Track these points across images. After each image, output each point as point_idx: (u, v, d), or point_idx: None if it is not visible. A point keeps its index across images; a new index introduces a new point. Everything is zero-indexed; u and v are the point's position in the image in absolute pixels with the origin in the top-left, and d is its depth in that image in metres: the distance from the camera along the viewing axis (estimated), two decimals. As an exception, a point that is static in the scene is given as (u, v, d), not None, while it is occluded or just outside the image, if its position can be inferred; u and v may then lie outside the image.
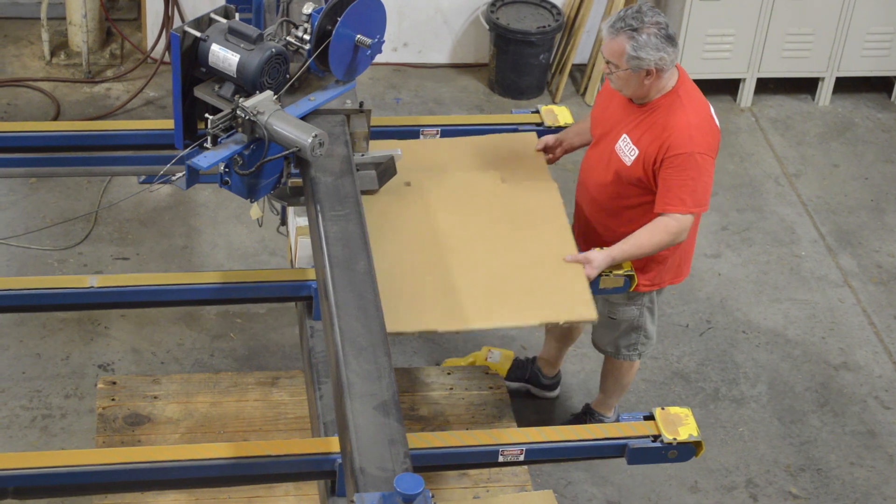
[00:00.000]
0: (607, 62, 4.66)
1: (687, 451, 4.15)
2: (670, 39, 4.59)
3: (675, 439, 4.12)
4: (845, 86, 8.15)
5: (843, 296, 6.67)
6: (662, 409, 4.21)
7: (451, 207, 4.80)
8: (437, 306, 4.39)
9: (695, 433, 4.14)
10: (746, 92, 8.00)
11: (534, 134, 5.17)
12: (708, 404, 5.99)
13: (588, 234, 5.01)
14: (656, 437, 4.13)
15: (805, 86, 8.16)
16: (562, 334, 5.67)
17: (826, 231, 7.09)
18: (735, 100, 8.05)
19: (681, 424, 4.15)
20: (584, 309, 4.47)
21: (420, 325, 4.34)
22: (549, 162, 5.08)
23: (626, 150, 4.76)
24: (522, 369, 5.87)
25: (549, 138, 5.09)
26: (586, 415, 5.66)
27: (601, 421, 5.56)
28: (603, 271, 4.66)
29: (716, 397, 6.04)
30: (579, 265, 4.57)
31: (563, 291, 4.50)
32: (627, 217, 4.83)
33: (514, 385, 5.81)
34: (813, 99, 8.14)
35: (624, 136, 4.77)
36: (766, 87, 8.13)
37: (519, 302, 4.46)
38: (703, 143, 4.64)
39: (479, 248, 4.64)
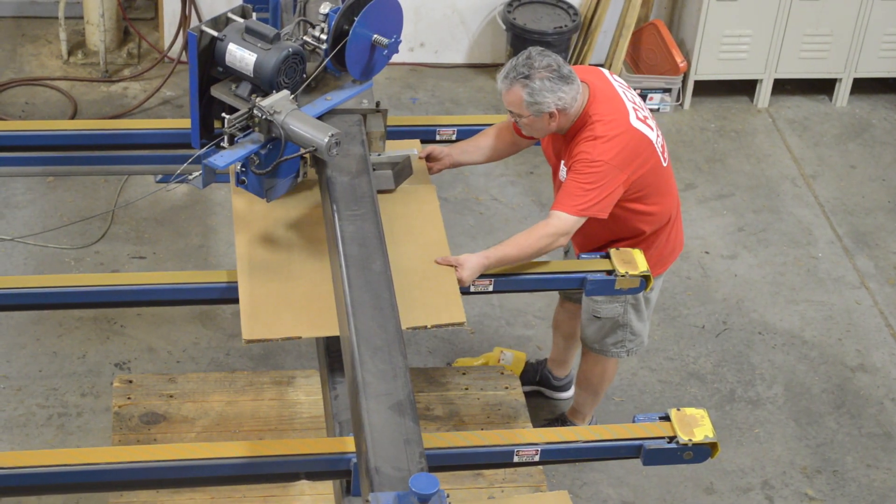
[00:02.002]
0: (510, 112, 4.74)
1: (702, 452, 4.14)
2: (565, 78, 4.63)
3: (690, 440, 4.11)
4: (863, 87, 8.13)
5: (859, 297, 6.66)
6: (678, 409, 4.20)
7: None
8: (304, 311, 4.27)
9: (710, 434, 4.13)
10: (763, 93, 7.99)
11: (417, 141, 5.12)
12: (724, 405, 5.98)
13: (583, 245, 5.07)
14: (672, 438, 4.12)
15: (822, 87, 8.14)
16: (567, 333, 5.66)
17: (843, 232, 7.08)
18: (752, 101, 8.03)
19: (696, 425, 4.14)
20: (452, 312, 4.35)
21: (282, 332, 4.24)
22: (429, 172, 5.03)
23: (564, 175, 4.83)
24: (533, 373, 5.87)
25: (436, 149, 5.06)
26: (558, 422, 5.66)
27: None
28: (619, 273, 4.65)
29: (732, 398, 6.03)
30: (450, 268, 4.51)
31: (433, 296, 4.39)
32: (600, 226, 4.84)
33: (526, 388, 5.80)
34: (830, 100, 8.12)
35: (562, 163, 4.85)
36: (784, 88, 8.11)
37: None
38: (607, 152, 4.66)
39: None
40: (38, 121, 7.01)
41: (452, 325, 4.35)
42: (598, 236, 4.94)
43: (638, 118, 4.77)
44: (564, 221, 4.67)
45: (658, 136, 4.85)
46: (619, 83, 4.87)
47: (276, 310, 4.26)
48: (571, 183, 4.68)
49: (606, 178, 4.65)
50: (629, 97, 4.83)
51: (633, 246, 4.92)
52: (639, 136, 4.74)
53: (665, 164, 4.90)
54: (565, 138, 4.81)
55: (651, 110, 7.75)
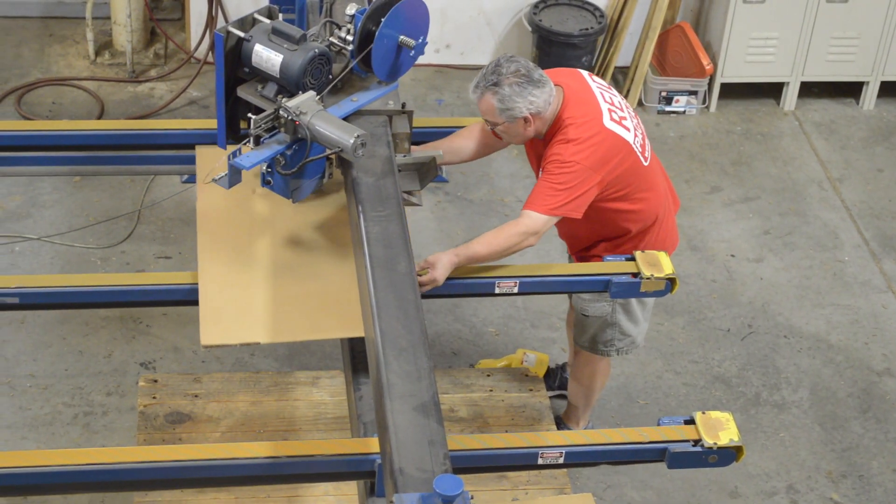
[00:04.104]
0: (486, 121, 4.75)
1: (727, 456, 4.13)
2: (535, 82, 4.63)
3: (715, 444, 4.09)
4: (890, 90, 8.09)
5: (886, 301, 6.62)
6: (703, 413, 4.18)
7: (288, 217, 4.65)
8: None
9: (735, 438, 4.12)
10: (790, 96, 7.96)
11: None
12: (749, 409, 5.96)
13: (572, 246, 5.12)
14: (697, 442, 4.11)
15: (849, 90, 8.11)
16: None
17: (870, 236, 7.05)
18: (778, 103, 8.00)
19: (721, 429, 4.13)
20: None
21: (237, 338, 4.26)
22: None
23: None
24: (552, 378, 5.85)
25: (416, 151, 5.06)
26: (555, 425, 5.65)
27: None
28: (644, 275, 4.63)
29: (757, 402, 6.01)
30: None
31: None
32: (586, 226, 4.86)
33: (551, 394, 5.78)
34: (857, 103, 8.09)
35: (542, 167, 4.85)
36: (810, 90, 8.08)
37: (339, 314, 4.30)
38: (579, 153, 4.65)
39: (309, 258, 4.49)
40: (65, 121, 7.05)
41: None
42: (584, 236, 4.97)
43: (612, 119, 4.76)
44: (535, 220, 4.65)
45: (636, 136, 4.83)
46: (597, 84, 4.87)
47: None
48: (543, 183, 4.68)
49: (578, 178, 4.64)
50: (607, 98, 4.82)
51: (619, 245, 4.92)
52: (613, 137, 4.73)
53: (646, 164, 4.88)
54: (543, 143, 4.81)
55: (677, 113, 7.80)
